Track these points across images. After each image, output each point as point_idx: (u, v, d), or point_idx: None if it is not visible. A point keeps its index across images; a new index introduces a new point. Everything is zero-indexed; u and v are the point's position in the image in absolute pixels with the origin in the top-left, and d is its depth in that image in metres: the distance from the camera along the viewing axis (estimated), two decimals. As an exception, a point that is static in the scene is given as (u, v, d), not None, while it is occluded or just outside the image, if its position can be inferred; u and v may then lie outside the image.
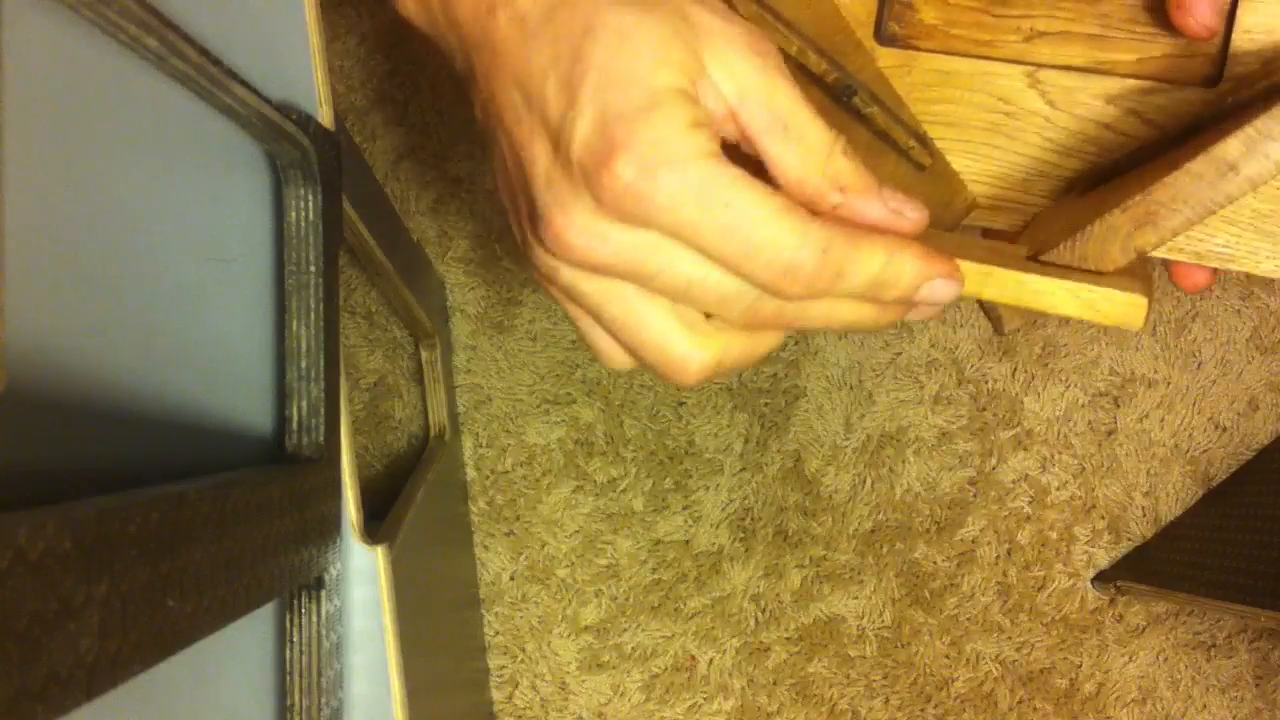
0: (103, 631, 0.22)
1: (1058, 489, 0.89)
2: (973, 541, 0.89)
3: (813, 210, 0.30)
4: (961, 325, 0.91)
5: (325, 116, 0.41)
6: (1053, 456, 0.90)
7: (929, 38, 0.41)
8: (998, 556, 0.89)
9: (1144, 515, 0.89)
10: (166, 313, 0.32)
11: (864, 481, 0.90)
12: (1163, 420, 0.90)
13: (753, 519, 0.90)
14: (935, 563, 0.89)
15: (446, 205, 0.92)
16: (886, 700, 0.89)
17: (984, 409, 0.90)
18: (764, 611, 0.89)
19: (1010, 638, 0.89)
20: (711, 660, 0.89)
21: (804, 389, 0.90)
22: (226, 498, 0.28)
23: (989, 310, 0.36)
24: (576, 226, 0.29)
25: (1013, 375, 0.90)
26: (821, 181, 0.30)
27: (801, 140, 0.30)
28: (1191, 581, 0.77)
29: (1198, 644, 0.88)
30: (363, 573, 0.40)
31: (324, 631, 0.38)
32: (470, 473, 0.90)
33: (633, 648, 0.89)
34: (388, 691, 0.40)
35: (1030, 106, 0.40)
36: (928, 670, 0.89)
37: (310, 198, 0.38)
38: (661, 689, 0.89)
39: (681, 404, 0.90)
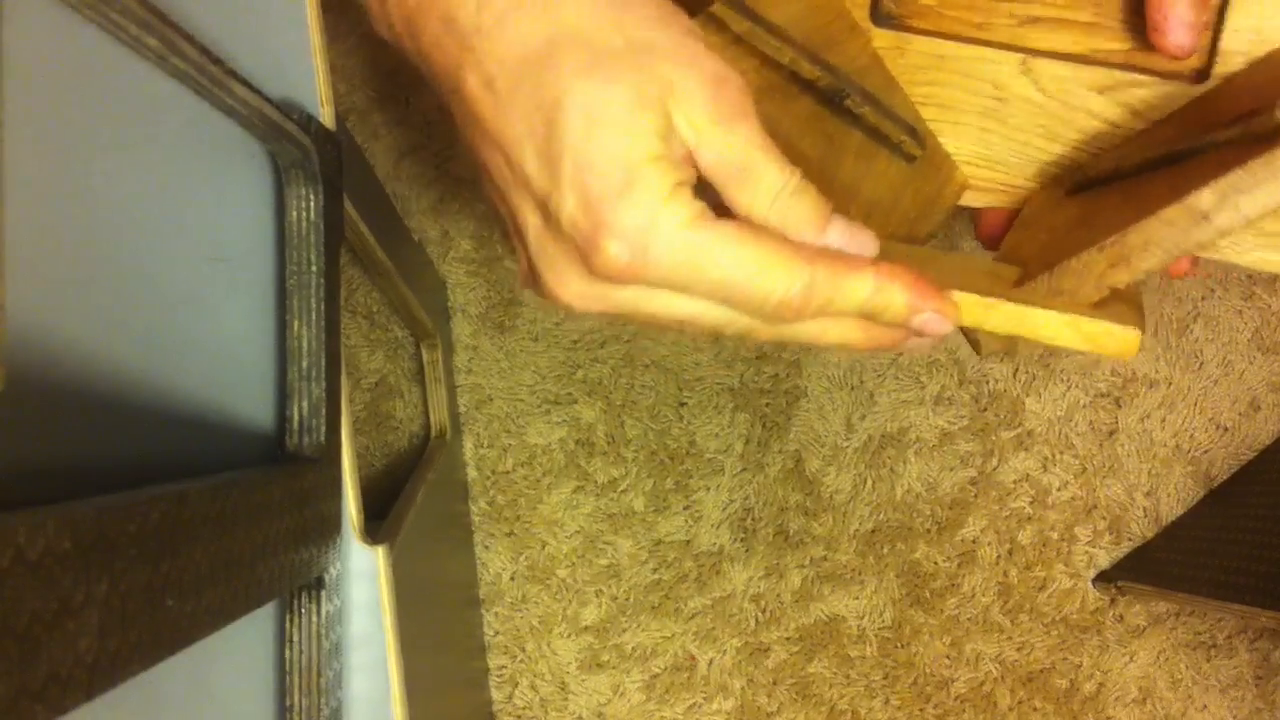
0: (102, 631, 0.22)
1: (1059, 489, 0.89)
2: (973, 542, 0.89)
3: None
4: (962, 325, 0.91)
5: (327, 116, 0.41)
6: (1054, 457, 0.90)
7: (924, 18, 0.41)
8: (998, 557, 0.89)
9: (1145, 515, 0.89)
10: (167, 312, 0.32)
11: (865, 482, 0.90)
12: (1164, 420, 0.90)
13: (753, 519, 0.90)
14: (936, 563, 0.89)
15: (448, 205, 0.92)
16: (886, 700, 0.88)
17: (985, 409, 0.90)
18: (764, 611, 0.89)
19: (1010, 638, 0.89)
20: (711, 660, 0.89)
21: (805, 389, 0.90)
22: (226, 497, 0.28)
23: (968, 333, 0.37)
24: (572, 290, 0.31)
25: (1014, 375, 0.90)
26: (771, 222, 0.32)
27: (756, 184, 0.31)
28: (1192, 581, 0.77)
29: (1198, 644, 0.88)
30: (363, 572, 0.40)
31: (324, 631, 0.38)
32: (471, 473, 0.90)
33: (633, 648, 0.89)
34: (387, 691, 0.40)
35: (1022, 93, 0.41)
36: (928, 670, 0.89)
37: (311, 197, 0.38)
38: (661, 689, 0.89)
39: (683, 404, 0.90)
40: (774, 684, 0.89)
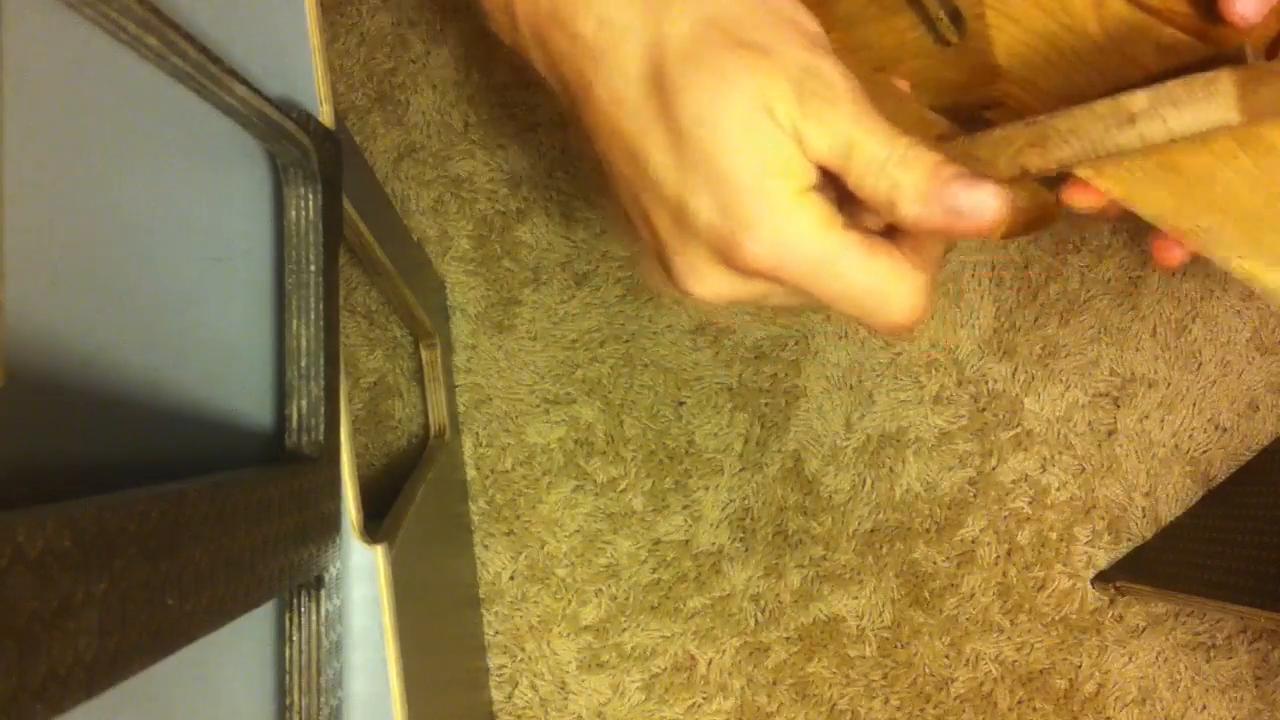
0: (102, 630, 0.22)
1: (1058, 489, 0.89)
2: (972, 542, 0.89)
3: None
4: (961, 326, 0.91)
5: (326, 115, 0.41)
6: (1053, 457, 0.90)
7: None
8: (997, 557, 0.89)
9: (1144, 515, 0.89)
10: (166, 311, 0.32)
11: (864, 481, 0.90)
12: (1163, 421, 0.90)
13: (753, 519, 0.90)
14: (935, 563, 0.89)
15: (447, 204, 0.92)
16: (886, 700, 0.89)
17: (984, 409, 0.90)
18: (764, 611, 0.89)
19: (1010, 638, 0.89)
20: (711, 660, 0.89)
21: (804, 389, 0.90)
22: (226, 496, 0.28)
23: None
24: (706, 285, 0.35)
25: (1013, 375, 0.90)
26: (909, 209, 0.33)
27: (863, 162, 0.32)
28: (1191, 582, 0.77)
29: (1197, 644, 0.88)
30: (362, 572, 0.40)
31: (324, 630, 0.38)
32: (470, 472, 0.90)
33: (632, 647, 0.89)
34: (387, 690, 0.40)
35: (1087, 29, 0.39)
36: (927, 670, 0.89)
37: (310, 196, 0.38)
38: (661, 689, 0.89)
39: (681, 404, 0.90)
40: (773, 684, 0.89)
